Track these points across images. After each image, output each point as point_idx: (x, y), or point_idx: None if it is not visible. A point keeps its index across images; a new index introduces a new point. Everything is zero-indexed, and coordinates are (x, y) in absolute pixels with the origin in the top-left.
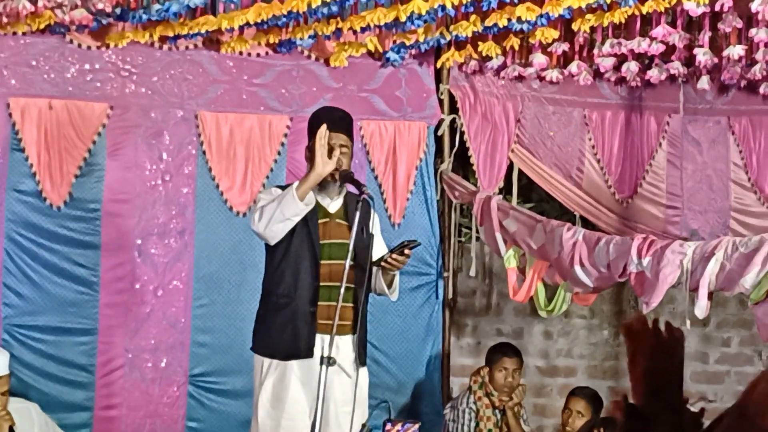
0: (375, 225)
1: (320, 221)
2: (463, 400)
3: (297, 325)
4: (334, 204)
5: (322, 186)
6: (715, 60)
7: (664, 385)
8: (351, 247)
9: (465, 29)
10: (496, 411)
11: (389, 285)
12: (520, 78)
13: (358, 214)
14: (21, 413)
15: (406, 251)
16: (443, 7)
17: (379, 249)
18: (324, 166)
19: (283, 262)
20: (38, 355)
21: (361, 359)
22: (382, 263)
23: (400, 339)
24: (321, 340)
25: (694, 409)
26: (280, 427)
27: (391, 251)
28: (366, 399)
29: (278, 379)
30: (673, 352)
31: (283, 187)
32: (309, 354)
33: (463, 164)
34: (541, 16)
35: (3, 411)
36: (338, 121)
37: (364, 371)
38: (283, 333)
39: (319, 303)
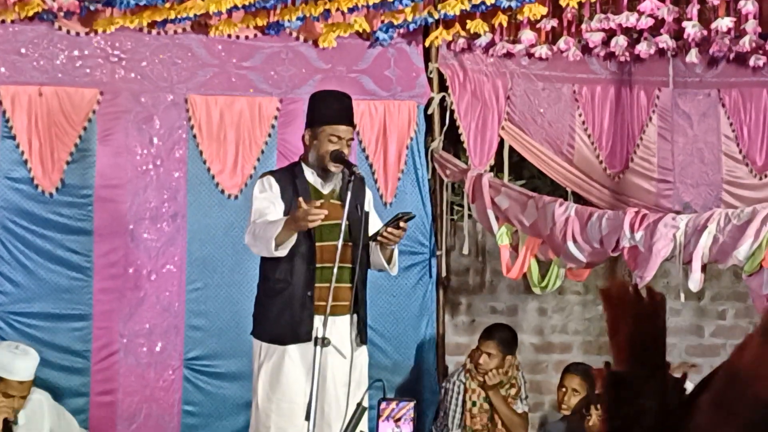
0: (369, 202)
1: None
2: (455, 374)
3: (294, 309)
4: (327, 185)
5: (320, 174)
6: (704, 33)
7: (646, 350)
8: (344, 227)
9: (453, 7)
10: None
11: (388, 260)
12: (508, 55)
13: (349, 193)
14: (32, 406)
15: (401, 224)
16: None
17: (374, 226)
18: (310, 225)
19: None
20: (33, 342)
21: (361, 337)
22: (378, 238)
23: (394, 319)
24: (318, 322)
25: (677, 374)
26: (279, 410)
27: (386, 225)
28: (366, 378)
29: (276, 363)
30: (654, 316)
31: (278, 177)
32: (308, 338)
33: (453, 142)
34: None
35: (2, 403)
36: (346, 112)
37: (363, 350)
38: (281, 318)
39: (317, 285)
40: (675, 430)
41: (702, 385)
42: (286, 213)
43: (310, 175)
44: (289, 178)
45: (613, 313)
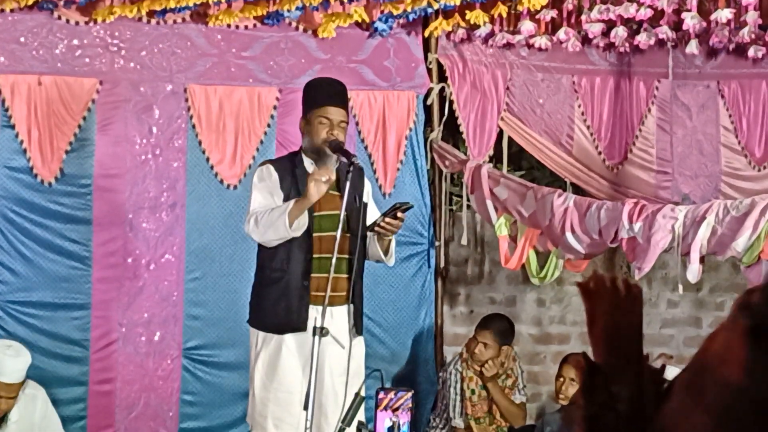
0: (368, 193)
1: None
2: (451, 363)
3: (290, 298)
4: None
5: (314, 158)
6: (704, 24)
7: (623, 341)
8: (342, 217)
9: None
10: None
11: (386, 251)
12: (508, 46)
13: (348, 183)
14: (25, 401)
15: (399, 214)
16: None
17: (372, 217)
18: (318, 195)
19: None
20: (32, 331)
21: (357, 328)
22: (376, 228)
23: (392, 309)
24: (315, 312)
25: (655, 365)
26: (276, 399)
27: (384, 215)
28: (362, 369)
29: (273, 352)
30: (631, 308)
31: (277, 166)
32: (302, 327)
33: (452, 133)
34: None
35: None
36: (335, 95)
37: (360, 341)
38: (277, 307)
39: (313, 275)
40: (651, 418)
41: (679, 377)
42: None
43: (309, 165)
44: (289, 168)
45: (591, 306)
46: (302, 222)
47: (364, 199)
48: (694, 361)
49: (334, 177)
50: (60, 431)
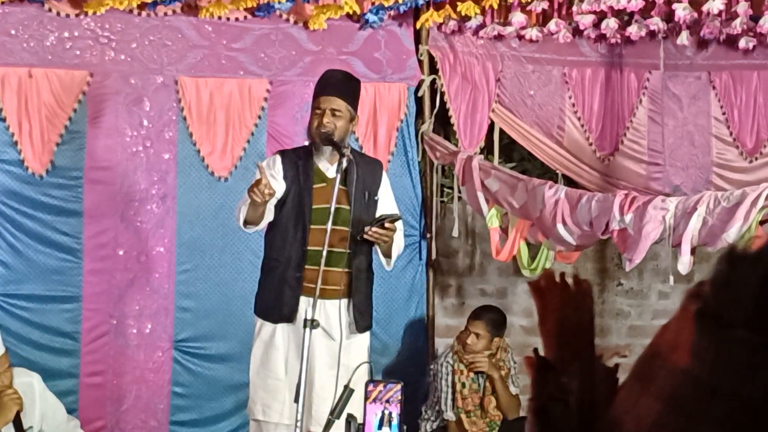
0: (385, 188)
1: (316, 186)
2: (443, 356)
3: (282, 289)
4: (333, 169)
5: (318, 151)
6: (695, 15)
7: (573, 337)
8: (332, 211)
9: None
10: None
11: (386, 254)
12: (499, 37)
13: (338, 176)
14: (23, 389)
15: (387, 224)
16: None
17: (388, 212)
18: (258, 199)
19: (276, 226)
20: (23, 323)
21: (357, 325)
22: (365, 236)
23: (384, 301)
24: (306, 304)
25: (609, 364)
26: (265, 386)
27: (371, 224)
28: (355, 364)
29: (267, 339)
30: (582, 304)
31: (286, 156)
32: (291, 318)
33: (443, 125)
34: None
35: (11, 390)
36: (332, 85)
37: (360, 338)
38: (270, 295)
39: (307, 267)
40: (602, 412)
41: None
42: (286, 193)
43: (318, 159)
44: (297, 160)
45: (542, 302)
46: (256, 220)
47: (380, 193)
48: (645, 352)
49: (264, 180)
50: (62, 410)
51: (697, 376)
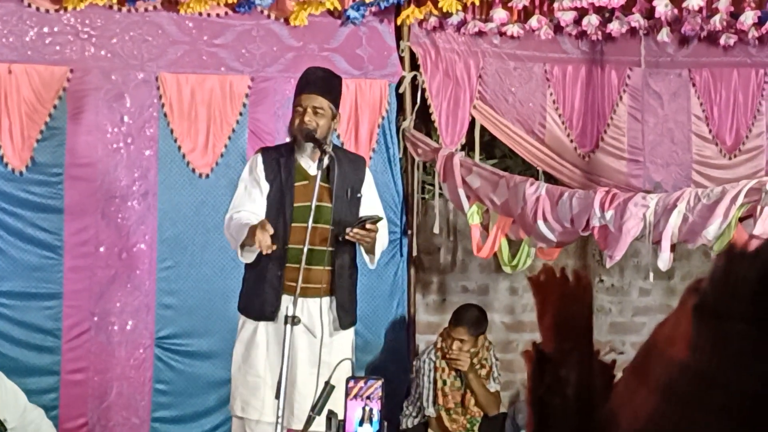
0: (368, 185)
1: (298, 183)
2: (425, 352)
3: (264, 286)
4: (315, 166)
5: (300, 148)
6: (676, 12)
7: (572, 331)
8: (313, 208)
9: None
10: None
11: (368, 252)
12: (480, 34)
13: (319, 173)
14: None
15: (368, 225)
16: None
17: (372, 208)
18: (261, 243)
19: None
20: (4, 321)
21: (341, 322)
22: (346, 237)
23: (365, 297)
24: (289, 302)
25: (606, 360)
26: (245, 382)
27: (353, 225)
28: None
29: (248, 336)
30: (581, 299)
31: (268, 155)
32: (272, 317)
33: (425, 121)
34: None
35: None
36: (313, 82)
37: (344, 335)
38: (252, 292)
39: (288, 265)
40: (599, 405)
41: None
42: (270, 195)
43: (300, 156)
44: (278, 157)
45: (541, 296)
46: (253, 251)
47: (363, 190)
48: (643, 347)
49: (268, 240)
50: (23, 398)
51: (695, 369)
